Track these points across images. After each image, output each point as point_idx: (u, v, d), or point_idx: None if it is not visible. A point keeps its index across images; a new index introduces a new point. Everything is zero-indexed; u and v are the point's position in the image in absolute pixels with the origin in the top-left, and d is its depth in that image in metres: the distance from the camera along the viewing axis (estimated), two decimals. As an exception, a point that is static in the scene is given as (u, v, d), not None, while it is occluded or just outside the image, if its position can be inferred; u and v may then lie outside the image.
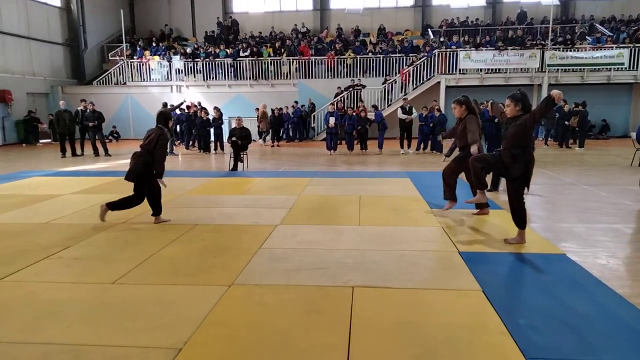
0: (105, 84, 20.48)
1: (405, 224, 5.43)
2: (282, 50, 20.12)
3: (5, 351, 2.69)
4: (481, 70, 17.63)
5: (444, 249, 4.51)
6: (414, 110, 13.55)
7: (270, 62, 19.44)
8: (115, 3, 23.16)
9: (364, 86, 17.84)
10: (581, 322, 2.97)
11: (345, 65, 19.15)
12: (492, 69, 17.65)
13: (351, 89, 17.61)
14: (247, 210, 6.27)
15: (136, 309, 3.23)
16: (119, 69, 20.39)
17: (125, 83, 20.19)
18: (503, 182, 7.67)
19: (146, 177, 5.38)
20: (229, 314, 3.16)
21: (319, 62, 19.30)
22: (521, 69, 17.61)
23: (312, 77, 19.21)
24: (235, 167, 10.20)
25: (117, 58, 21.14)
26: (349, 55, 19.29)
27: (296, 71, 19.26)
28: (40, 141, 18.31)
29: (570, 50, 17.73)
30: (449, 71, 17.68)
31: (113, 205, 5.46)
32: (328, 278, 3.76)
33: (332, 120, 13.50)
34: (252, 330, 2.93)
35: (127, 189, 5.46)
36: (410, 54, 18.87)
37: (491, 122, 11.16)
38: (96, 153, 13.20)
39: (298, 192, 7.46)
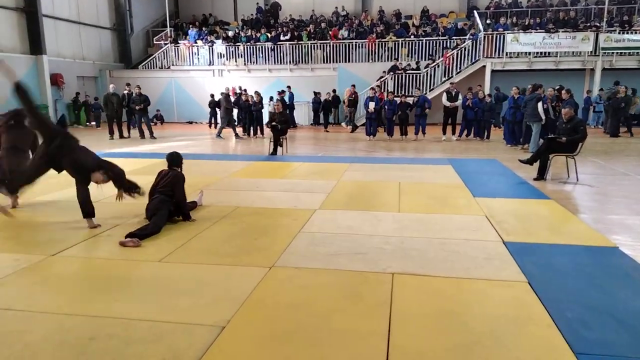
0: (150, 68, 21.01)
1: (447, 212, 5.33)
2: (316, 33, 19.95)
3: (60, 321, 2.84)
4: (529, 53, 16.87)
5: (488, 238, 4.39)
6: (460, 96, 13.15)
7: (310, 46, 19.37)
8: (159, -13, 23.59)
9: (405, 69, 17.48)
10: (634, 318, 2.83)
11: (386, 48, 18.81)
12: (541, 53, 16.86)
13: (392, 73, 17.31)
14: (286, 194, 6.33)
15: (181, 286, 3.34)
16: (164, 53, 20.86)
17: (169, 67, 20.65)
18: (550, 171, 7.39)
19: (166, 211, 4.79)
20: (270, 295, 3.21)
21: (360, 45, 19.04)
22: (573, 52, 16.71)
23: (352, 61, 19.00)
24: (275, 151, 10.28)
25: (162, 42, 21.61)
26: (390, 38, 18.92)
27: (336, 55, 19.10)
28: (91, 123, 18.98)
29: (628, 33, 16.67)
30: (495, 54, 17.05)
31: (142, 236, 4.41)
32: (367, 264, 3.75)
33: (372, 105, 13.33)
34: (293, 311, 2.97)
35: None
36: (454, 37, 18.30)
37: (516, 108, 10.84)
38: (142, 135, 13.63)
39: (337, 177, 7.45)
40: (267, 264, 3.73)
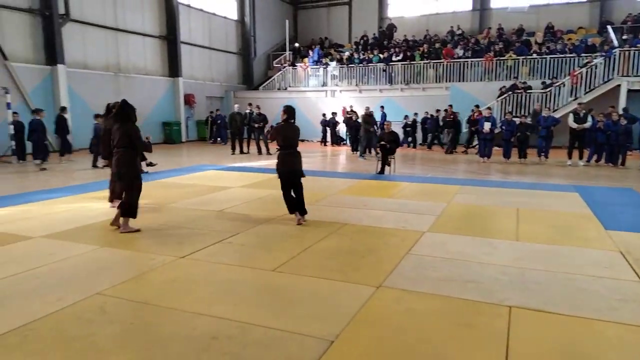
0: (269, 89, 22.45)
1: (573, 244, 4.86)
2: (429, 52, 19.64)
3: (189, 319, 3.12)
4: (677, 71, 14.86)
5: (623, 277, 3.92)
6: (589, 117, 11.95)
7: (423, 66, 19.18)
8: (281, 14, 25.24)
9: (529, 88, 16.45)
10: None
11: (505, 67, 17.91)
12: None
13: (511, 92, 16.38)
14: (393, 214, 6.28)
15: (293, 296, 3.49)
16: (282, 75, 22.18)
17: (286, 88, 21.87)
18: None
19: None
20: (378, 315, 3.20)
21: (475, 64, 18.37)
22: None
23: (466, 80, 18.38)
24: (382, 170, 10.29)
25: (280, 65, 23.00)
26: (510, 56, 17.97)
27: (449, 74, 18.65)
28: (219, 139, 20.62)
29: None
30: (632, 73, 15.28)
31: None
32: (481, 293, 3.56)
33: (487, 125, 12.72)
34: (400, 334, 2.92)
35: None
36: (584, 54, 16.81)
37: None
38: (259, 151, 14.58)
39: (447, 199, 7.21)
40: (375, 283, 3.73)
